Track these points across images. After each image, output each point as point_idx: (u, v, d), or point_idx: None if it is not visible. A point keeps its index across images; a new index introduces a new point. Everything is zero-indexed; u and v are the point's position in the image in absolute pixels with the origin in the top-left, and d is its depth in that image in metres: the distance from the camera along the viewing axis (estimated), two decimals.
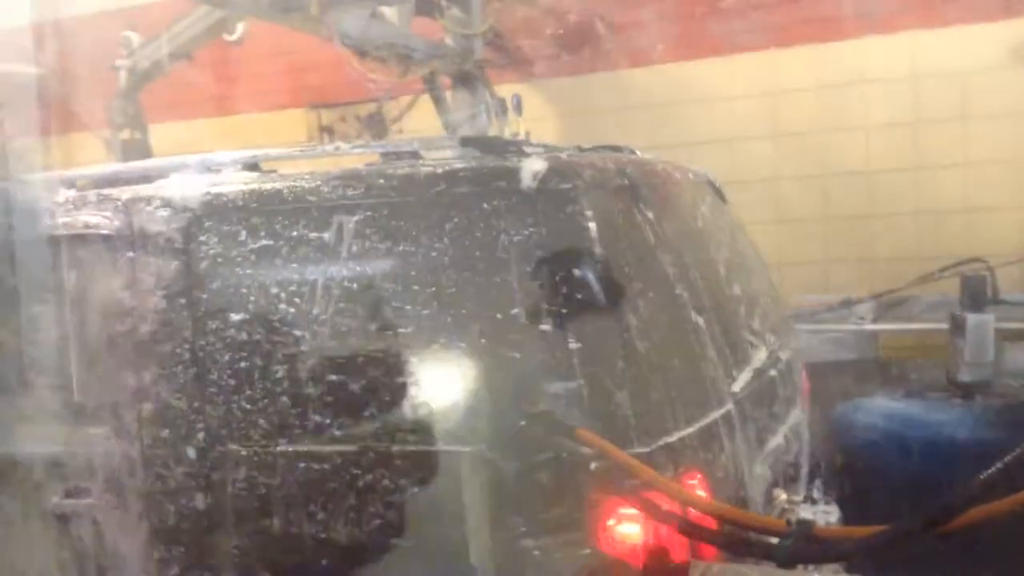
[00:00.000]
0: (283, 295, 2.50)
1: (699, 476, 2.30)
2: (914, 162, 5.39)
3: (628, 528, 2.21)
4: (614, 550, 2.24)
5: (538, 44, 6.12)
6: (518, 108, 5.66)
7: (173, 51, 5.58)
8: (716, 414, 2.45)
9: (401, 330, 2.37)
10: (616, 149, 3.25)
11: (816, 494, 3.41)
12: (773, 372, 3.00)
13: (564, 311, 2.26)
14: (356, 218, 2.46)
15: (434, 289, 2.36)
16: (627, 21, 5.94)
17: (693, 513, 2.17)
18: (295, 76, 6.33)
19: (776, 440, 2.87)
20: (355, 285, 2.44)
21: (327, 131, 6.47)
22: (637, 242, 2.52)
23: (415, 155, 2.72)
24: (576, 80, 6.08)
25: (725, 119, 5.78)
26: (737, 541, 2.10)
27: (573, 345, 2.23)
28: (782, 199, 5.72)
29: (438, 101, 5.53)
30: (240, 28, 5.65)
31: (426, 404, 2.34)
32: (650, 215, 2.61)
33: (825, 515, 3.21)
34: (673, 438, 2.26)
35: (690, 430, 2.31)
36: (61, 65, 6.19)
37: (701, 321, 2.56)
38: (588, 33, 6.02)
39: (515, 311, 2.28)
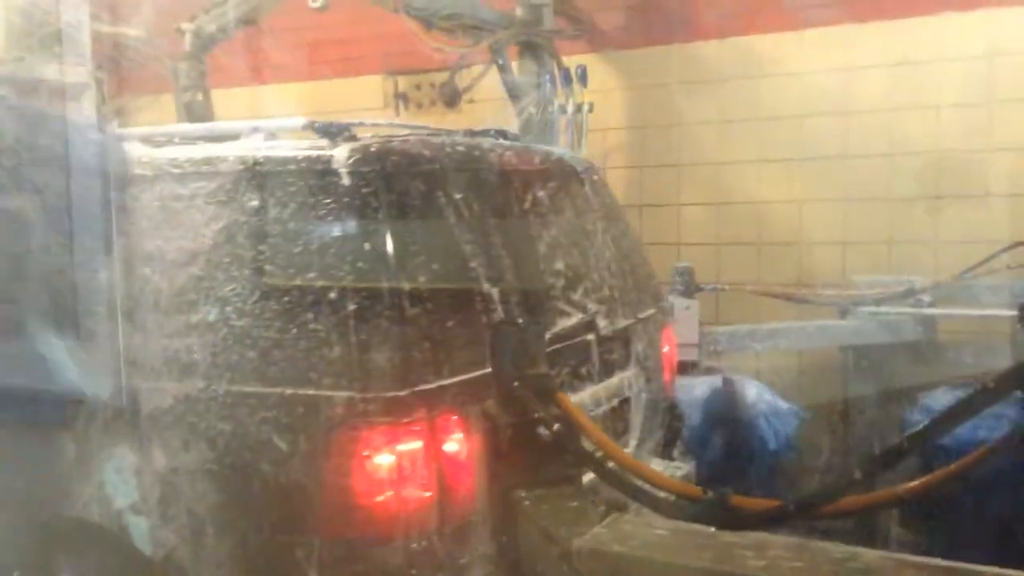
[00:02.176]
0: (147, 256, 3.01)
1: (456, 418, 2.74)
2: (987, 143, 5.23)
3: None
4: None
5: (608, 15, 6.15)
6: (583, 79, 5.74)
7: (239, 16, 5.79)
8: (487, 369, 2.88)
9: (225, 291, 2.82)
10: (501, 134, 3.88)
11: (675, 452, 3.99)
12: (589, 337, 3.42)
13: (348, 279, 2.69)
14: (206, 191, 2.94)
15: (259, 256, 2.83)
16: None
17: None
18: (374, 43, 6.52)
19: (578, 396, 3.28)
20: (197, 253, 2.90)
21: (402, 98, 6.64)
22: (432, 221, 2.94)
23: (272, 136, 3.19)
24: (645, 52, 6.09)
25: (795, 95, 5.70)
26: (652, 498, 2.28)
27: (351, 307, 2.66)
28: (850, 177, 5.63)
29: (503, 71, 5.64)
30: None
31: (241, 354, 2.77)
32: (457, 196, 3.02)
33: (676, 469, 3.73)
34: (431, 386, 2.69)
35: (450, 380, 2.74)
36: (155, 27, 6.54)
37: (494, 291, 2.98)
38: (659, 4, 6.01)
39: (311, 276, 2.74)
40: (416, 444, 2.62)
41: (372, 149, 2.90)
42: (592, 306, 3.47)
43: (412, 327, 2.68)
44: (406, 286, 2.70)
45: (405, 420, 2.61)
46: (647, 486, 2.43)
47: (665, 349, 4.12)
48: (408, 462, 2.60)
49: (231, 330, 2.77)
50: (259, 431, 2.70)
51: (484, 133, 3.85)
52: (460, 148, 3.24)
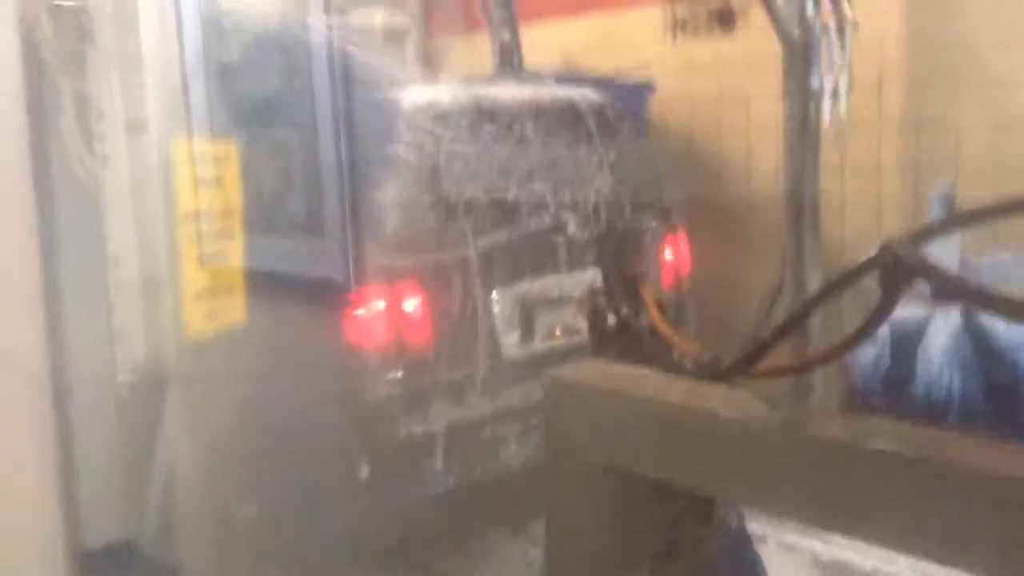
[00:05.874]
0: None
1: (415, 284, 4.10)
2: None
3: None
4: None
5: None
6: None
7: None
8: (448, 255, 4.22)
9: None
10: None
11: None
12: (558, 238, 4.55)
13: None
14: None
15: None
16: None
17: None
18: None
19: (543, 280, 4.55)
20: None
21: (680, 25, 6.80)
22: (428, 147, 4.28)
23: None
24: None
25: None
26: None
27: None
28: None
29: None
30: None
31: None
32: (452, 132, 4.39)
33: None
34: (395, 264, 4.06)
35: (409, 261, 4.12)
36: None
37: (460, 206, 4.28)
38: None
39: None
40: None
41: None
42: (564, 215, 4.55)
43: (386, 225, 4.06)
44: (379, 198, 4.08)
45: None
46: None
47: (668, 258, 5.05)
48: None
49: None
50: None
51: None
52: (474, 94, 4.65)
